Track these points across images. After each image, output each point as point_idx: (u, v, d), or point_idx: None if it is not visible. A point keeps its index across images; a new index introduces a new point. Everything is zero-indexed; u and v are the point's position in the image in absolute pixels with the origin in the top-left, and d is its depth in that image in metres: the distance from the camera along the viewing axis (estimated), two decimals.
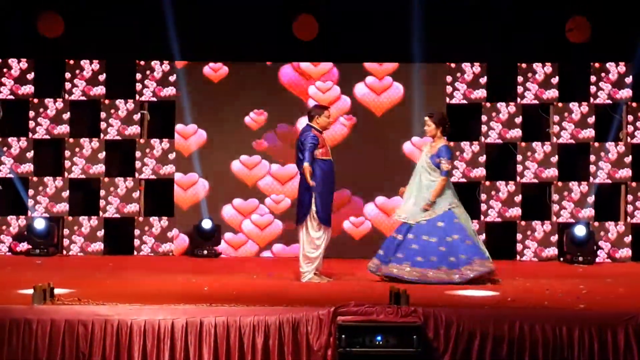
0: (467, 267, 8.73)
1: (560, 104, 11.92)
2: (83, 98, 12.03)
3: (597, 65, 11.92)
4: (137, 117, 12.01)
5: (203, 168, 11.93)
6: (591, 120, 11.89)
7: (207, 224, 11.67)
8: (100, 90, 12.01)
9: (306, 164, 8.62)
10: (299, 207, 8.86)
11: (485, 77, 11.94)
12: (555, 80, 11.93)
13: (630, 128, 11.89)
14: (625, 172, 11.84)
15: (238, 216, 11.95)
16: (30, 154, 11.97)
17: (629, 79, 11.88)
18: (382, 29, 11.79)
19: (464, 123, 12.04)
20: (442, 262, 8.74)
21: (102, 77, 12.01)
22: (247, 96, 11.93)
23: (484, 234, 11.78)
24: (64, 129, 11.99)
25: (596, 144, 11.87)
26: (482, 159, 11.91)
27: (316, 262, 8.78)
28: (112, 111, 11.99)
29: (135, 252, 11.91)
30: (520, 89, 11.95)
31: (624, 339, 6.41)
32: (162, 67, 12.00)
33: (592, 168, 11.87)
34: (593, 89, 11.92)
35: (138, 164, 11.98)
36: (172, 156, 11.97)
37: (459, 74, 11.95)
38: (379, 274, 8.90)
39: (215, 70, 12.03)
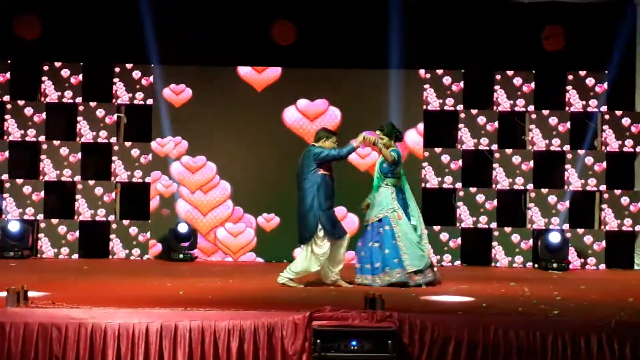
0: (381, 275, 8.90)
1: (535, 112, 12.00)
2: (60, 101, 11.97)
3: (572, 73, 12.01)
4: (113, 120, 11.97)
5: (178, 171, 11.92)
6: (566, 128, 11.98)
7: (183, 227, 11.64)
8: (76, 93, 11.96)
9: (352, 144, 8.80)
10: (302, 227, 8.77)
11: (462, 84, 12.00)
12: (531, 88, 12.01)
13: (605, 136, 11.98)
14: (599, 180, 11.93)
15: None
16: (3, 156, 11.90)
17: (604, 87, 11.98)
18: (359, 35, 11.84)
19: (440, 130, 12.10)
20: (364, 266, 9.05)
21: (78, 81, 11.96)
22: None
23: (459, 240, 11.84)
24: (39, 132, 11.93)
25: (571, 152, 11.96)
26: (458, 165, 11.96)
27: (303, 274, 8.82)
28: (89, 114, 11.95)
29: (110, 256, 11.86)
30: (496, 96, 12.02)
31: (597, 345, 6.46)
32: (139, 72, 11.97)
33: (567, 175, 11.96)
34: (568, 97, 12.01)
35: (114, 168, 11.94)
36: (148, 160, 11.93)
37: (436, 82, 12.01)
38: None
39: (176, 93, 12.02)
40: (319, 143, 8.87)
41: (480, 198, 11.94)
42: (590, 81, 12.00)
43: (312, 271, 8.77)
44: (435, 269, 9.19)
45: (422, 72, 12.00)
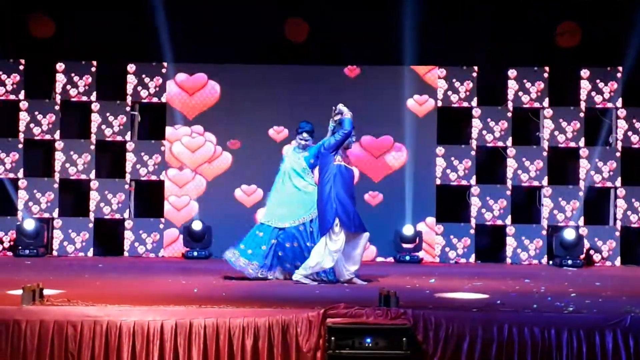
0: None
1: (550, 109, 11.96)
2: (73, 99, 12.02)
3: (587, 70, 11.96)
4: (127, 119, 12.00)
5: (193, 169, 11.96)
6: (580, 124, 11.93)
7: (197, 225, 11.66)
8: (90, 92, 12.00)
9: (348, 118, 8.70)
10: (320, 219, 8.76)
11: (476, 81, 11.98)
12: (545, 84, 11.97)
13: (620, 132, 11.93)
14: (615, 176, 11.89)
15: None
16: (18, 155, 11.95)
17: (618, 83, 11.93)
18: (371, 32, 11.82)
19: (454, 127, 12.08)
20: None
21: (93, 79, 12.00)
22: None
23: (473, 237, 11.82)
24: (54, 130, 11.98)
25: (585, 148, 11.92)
26: (472, 162, 11.94)
27: (316, 269, 8.81)
28: (102, 113, 11.98)
29: (125, 253, 11.90)
30: (509, 93, 11.99)
31: (612, 342, 6.43)
32: (154, 70, 12.00)
33: (582, 172, 11.91)
34: (583, 93, 11.97)
35: (128, 166, 11.97)
36: (163, 158, 11.96)
37: (450, 78, 11.98)
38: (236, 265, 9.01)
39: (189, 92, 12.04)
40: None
41: (494, 195, 11.91)
42: (604, 77, 11.95)
43: (326, 267, 8.75)
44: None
45: (435, 68, 11.98)
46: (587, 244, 11.68)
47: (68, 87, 12.00)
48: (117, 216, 11.95)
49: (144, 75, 12.01)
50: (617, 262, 11.77)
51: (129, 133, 12.01)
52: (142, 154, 11.96)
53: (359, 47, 11.91)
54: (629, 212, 11.86)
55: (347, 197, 8.64)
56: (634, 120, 11.90)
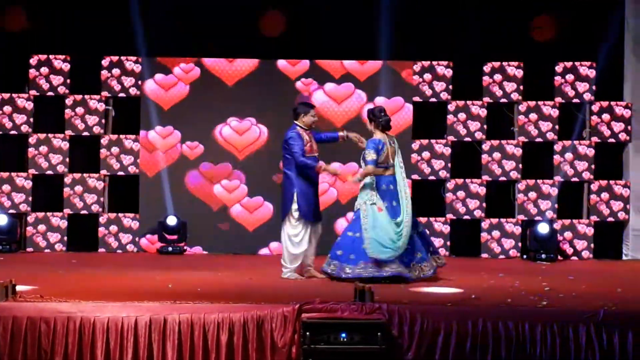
0: (352, 267, 8.54)
1: (524, 103, 12.01)
2: (47, 93, 11.92)
3: (561, 64, 12.02)
4: (102, 113, 11.93)
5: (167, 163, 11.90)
6: (555, 118, 11.99)
7: (172, 220, 11.61)
8: (64, 86, 11.91)
9: (319, 165, 8.73)
10: (282, 205, 8.91)
11: (451, 75, 12.00)
12: (520, 78, 12.01)
13: (593, 126, 12.00)
14: (588, 170, 11.96)
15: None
16: None
17: (593, 78, 11.99)
18: (348, 27, 11.81)
19: (430, 121, 12.10)
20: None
21: (66, 73, 11.91)
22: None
23: (448, 231, 11.86)
24: (27, 124, 11.88)
25: (560, 142, 11.98)
26: (447, 157, 11.97)
27: (298, 260, 8.78)
28: (77, 107, 11.90)
29: (99, 249, 11.83)
30: (485, 87, 12.03)
31: (585, 336, 6.48)
32: (127, 64, 11.93)
33: (555, 166, 11.98)
34: (557, 87, 12.02)
35: (102, 160, 11.90)
36: (136, 152, 11.90)
37: (425, 73, 12.00)
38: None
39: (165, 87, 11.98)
40: (298, 120, 8.87)
41: (468, 189, 11.95)
42: (579, 71, 12.01)
43: (294, 254, 8.72)
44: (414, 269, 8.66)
45: (411, 63, 11.99)
46: (560, 239, 11.74)
47: (41, 81, 11.90)
48: (92, 210, 11.87)
49: (118, 70, 11.93)
50: (590, 256, 11.84)
51: (103, 127, 11.94)
52: (116, 148, 11.89)
53: (337, 41, 11.88)
54: (602, 207, 11.93)
55: (307, 188, 8.69)
56: (607, 115, 11.97)
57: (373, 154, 8.62)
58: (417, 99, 12.00)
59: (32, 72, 11.91)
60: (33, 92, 11.91)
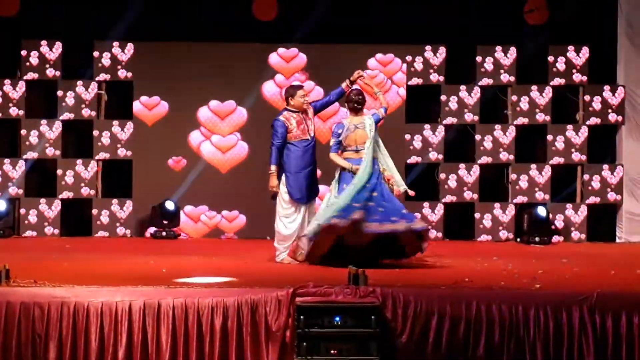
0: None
1: (517, 86, 12.00)
2: (39, 78, 11.87)
3: (554, 47, 12.01)
4: (94, 97, 11.88)
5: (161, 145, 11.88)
6: (548, 101, 11.99)
7: (170, 205, 11.59)
8: (56, 70, 11.86)
9: (272, 168, 8.67)
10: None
11: (444, 58, 11.97)
12: (513, 62, 12.00)
13: (586, 109, 12.00)
14: (581, 154, 11.97)
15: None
16: None
17: (586, 61, 11.98)
18: (341, 9, 11.77)
19: (422, 105, 12.09)
20: None
21: (58, 57, 11.86)
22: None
23: (442, 215, 11.87)
24: (19, 109, 11.83)
25: (553, 126, 11.98)
26: (441, 140, 11.96)
27: (289, 242, 8.73)
28: (69, 91, 11.85)
29: (92, 234, 11.82)
30: (478, 70, 12.01)
31: (578, 319, 6.49)
32: (120, 47, 11.88)
33: (549, 149, 11.99)
34: (551, 71, 12.01)
35: (95, 145, 11.87)
36: (130, 137, 11.87)
37: (418, 56, 11.98)
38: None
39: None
40: (289, 104, 8.80)
41: (462, 172, 11.95)
42: (572, 55, 12.00)
43: (284, 234, 8.71)
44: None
45: (405, 46, 11.96)
46: (554, 221, 11.77)
47: (33, 65, 11.84)
48: (85, 195, 11.85)
49: (110, 54, 11.88)
50: (584, 238, 11.87)
51: (95, 112, 11.90)
52: (109, 132, 11.86)
53: (327, 26, 11.84)
54: (595, 189, 11.95)
55: (297, 171, 8.61)
56: (600, 97, 11.97)
57: (332, 140, 8.58)
58: (411, 82, 11.98)
59: (24, 56, 11.85)
60: (25, 77, 11.86)
